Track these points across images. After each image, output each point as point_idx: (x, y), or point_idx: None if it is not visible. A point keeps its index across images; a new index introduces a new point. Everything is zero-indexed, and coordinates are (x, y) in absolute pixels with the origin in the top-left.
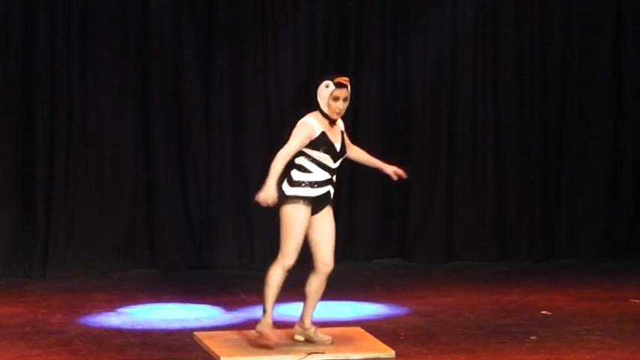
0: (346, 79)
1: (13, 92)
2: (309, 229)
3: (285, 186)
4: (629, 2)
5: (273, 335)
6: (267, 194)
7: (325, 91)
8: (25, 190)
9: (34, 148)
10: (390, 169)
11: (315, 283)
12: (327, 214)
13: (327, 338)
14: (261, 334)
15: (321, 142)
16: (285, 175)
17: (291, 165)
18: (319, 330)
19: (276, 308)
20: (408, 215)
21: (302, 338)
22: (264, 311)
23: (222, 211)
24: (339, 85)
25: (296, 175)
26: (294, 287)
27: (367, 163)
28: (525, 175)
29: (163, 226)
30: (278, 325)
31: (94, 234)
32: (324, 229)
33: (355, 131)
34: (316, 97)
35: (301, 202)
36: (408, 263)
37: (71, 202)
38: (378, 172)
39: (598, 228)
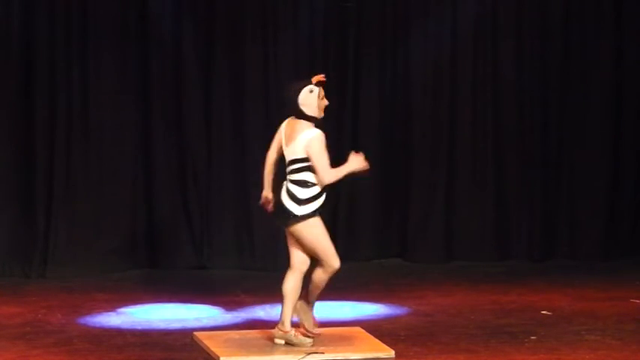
0: (322, 75)
1: (13, 92)
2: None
3: (294, 207)
4: (629, 2)
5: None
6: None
7: (311, 96)
8: (25, 190)
9: (34, 147)
10: (264, 193)
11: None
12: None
13: (309, 340)
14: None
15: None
16: (289, 194)
17: (292, 184)
18: (299, 332)
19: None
20: (408, 215)
21: (282, 342)
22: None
23: (222, 211)
24: (321, 84)
25: (302, 193)
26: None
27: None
28: (525, 175)
29: (163, 226)
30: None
31: (94, 234)
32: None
33: (355, 131)
34: (298, 109)
35: (317, 213)
36: (408, 263)
37: (71, 202)
38: (378, 171)
39: (598, 228)
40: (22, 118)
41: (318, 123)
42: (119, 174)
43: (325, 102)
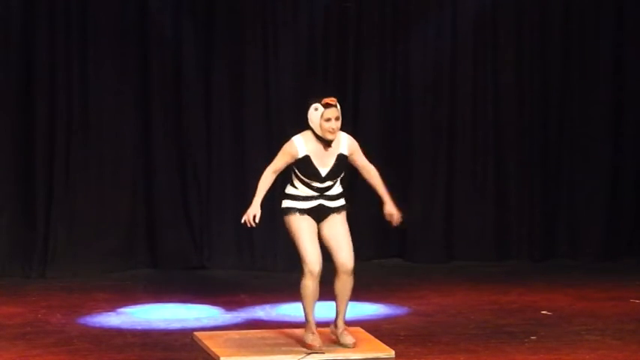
0: (333, 99)
1: (13, 92)
2: (321, 237)
3: (284, 198)
4: (629, 2)
5: (316, 342)
6: (251, 211)
7: (315, 114)
8: (25, 190)
9: (34, 148)
10: (388, 210)
11: (338, 285)
12: (333, 220)
13: (351, 342)
14: (304, 344)
15: (303, 165)
16: (284, 187)
17: (288, 178)
18: (348, 331)
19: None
20: (408, 215)
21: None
22: (306, 321)
23: (222, 211)
24: (327, 106)
25: (288, 188)
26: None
27: (374, 188)
28: (525, 175)
29: (163, 226)
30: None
31: (94, 234)
32: (333, 234)
33: (355, 131)
34: (307, 118)
35: (293, 212)
36: (408, 263)
37: (71, 202)
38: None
39: (598, 228)
40: (22, 118)
41: (325, 143)
42: (119, 174)
43: (329, 125)
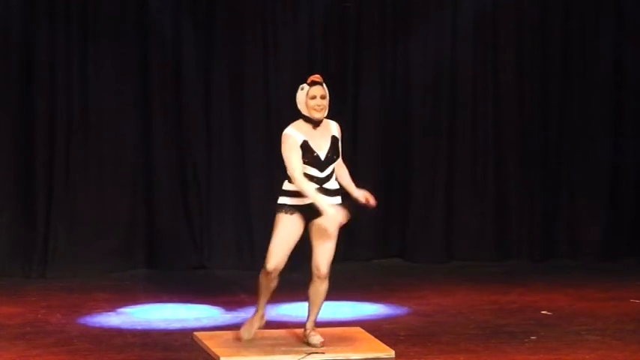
0: (318, 76)
1: (13, 92)
2: (309, 235)
3: (280, 194)
4: (629, 2)
5: (245, 334)
6: (336, 214)
7: (301, 93)
8: (25, 190)
9: (34, 148)
10: (359, 193)
11: (311, 288)
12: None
13: (318, 342)
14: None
15: (304, 152)
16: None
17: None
18: (316, 331)
19: (268, 308)
20: (408, 215)
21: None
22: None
23: (222, 211)
24: (312, 84)
25: (285, 184)
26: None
27: (341, 179)
28: (525, 175)
29: (163, 226)
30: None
31: (94, 234)
32: (318, 236)
33: (355, 131)
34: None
35: (284, 209)
36: (408, 263)
37: (71, 202)
38: (378, 171)
39: (598, 228)
40: (22, 118)
41: (313, 124)
42: (119, 174)
43: (315, 102)
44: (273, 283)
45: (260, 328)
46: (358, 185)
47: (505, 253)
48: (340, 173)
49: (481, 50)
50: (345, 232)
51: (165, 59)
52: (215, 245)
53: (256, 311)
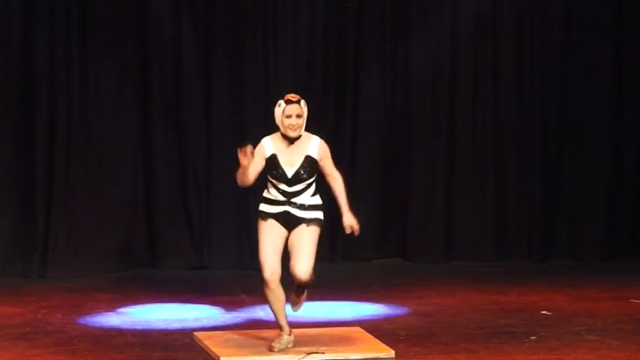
0: (295, 95)
1: (13, 94)
2: (287, 245)
3: (259, 201)
4: (629, 2)
5: (277, 344)
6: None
7: (278, 110)
8: (25, 191)
9: (34, 149)
10: (347, 221)
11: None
12: (299, 230)
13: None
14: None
15: (271, 165)
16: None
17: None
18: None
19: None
20: (408, 215)
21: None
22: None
23: (222, 211)
24: (288, 102)
25: (264, 191)
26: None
27: (336, 196)
28: (525, 175)
29: (163, 226)
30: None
31: (94, 234)
32: (295, 244)
33: (355, 131)
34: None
35: (261, 216)
36: (408, 263)
37: (71, 202)
38: (378, 171)
39: (598, 228)
40: (22, 118)
41: (289, 140)
42: (119, 174)
43: (289, 122)
44: (278, 293)
45: (290, 344)
46: (358, 186)
47: (505, 254)
48: (334, 187)
49: (481, 50)
50: (345, 231)
51: (165, 59)
52: (215, 245)
53: (281, 328)
